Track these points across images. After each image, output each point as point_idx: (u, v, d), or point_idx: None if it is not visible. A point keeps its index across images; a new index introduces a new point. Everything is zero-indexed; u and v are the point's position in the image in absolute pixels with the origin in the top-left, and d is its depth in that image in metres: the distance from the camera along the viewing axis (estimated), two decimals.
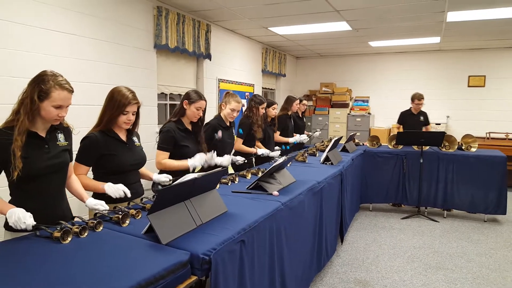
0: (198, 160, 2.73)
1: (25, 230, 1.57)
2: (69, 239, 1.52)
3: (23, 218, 1.53)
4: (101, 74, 3.73)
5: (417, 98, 5.36)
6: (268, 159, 3.92)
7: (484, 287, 3.11)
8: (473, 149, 4.96)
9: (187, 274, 1.41)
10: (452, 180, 4.88)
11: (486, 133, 7.19)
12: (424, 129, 5.46)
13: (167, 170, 2.70)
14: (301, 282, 2.59)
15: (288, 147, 4.73)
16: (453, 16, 4.88)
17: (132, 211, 1.86)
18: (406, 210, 5.31)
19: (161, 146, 2.74)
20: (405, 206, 5.38)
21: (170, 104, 5.01)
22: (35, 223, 1.56)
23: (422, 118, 5.48)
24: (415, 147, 5.09)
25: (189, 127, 2.88)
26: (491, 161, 4.71)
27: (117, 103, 2.15)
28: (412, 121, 5.47)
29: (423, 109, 5.54)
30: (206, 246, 1.50)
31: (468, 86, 7.52)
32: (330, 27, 5.63)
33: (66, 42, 3.38)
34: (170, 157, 2.76)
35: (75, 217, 1.84)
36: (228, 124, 3.45)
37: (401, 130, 5.57)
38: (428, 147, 5.03)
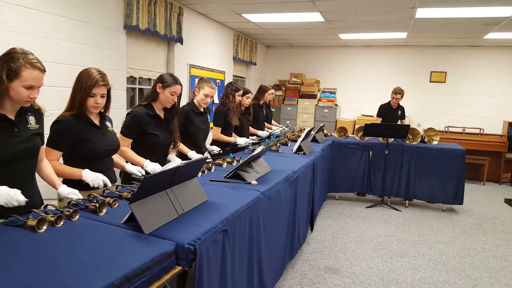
0: (151, 167, 2.47)
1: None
2: (45, 227, 1.43)
3: (14, 195, 1.51)
4: (67, 54, 3.51)
5: (393, 92, 5.53)
6: (243, 148, 3.90)
7: (444, 273, 3.29)
8: (435, 142, 5.20)
9: (172, 265, 1.37)
10: (415, 171, 5.10)
11: (445, 127, 7.56)
12: (399, 123, 5.64)
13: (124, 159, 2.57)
14: (276, 271, 2.62)
15: (267, 140, 4.71)
16: (422, 13, 5.03)
17: (109, 200, 1.77)
18: (370, 199, 5.50)
19: (123, 131, 2.58)
20: (369, 196, 5.57)
21: (139, 88, 4.83)
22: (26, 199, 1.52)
23: (399, 112, 5.66)
24: (381, 139, 5.26)
25: (161, 114, 2.70)
26: (451, 154, 4.96)
27: (83, 85, 2.02)
28: (390, 115, 5.64)
29: (401, 103, 5.71)
30: (191, 236, 1.47)
31: (430, 81, 7.83)
32: (303, 17, 5.63)
33: (31, 18, 3.13)
34: (138, 145, 2.62)
35: (47, 205, 1.73)
36: (201, 110, 3.37)
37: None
38: (393, 139, 5.21)
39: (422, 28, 6.09)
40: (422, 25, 5.85)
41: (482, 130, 7.30)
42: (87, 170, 1.97)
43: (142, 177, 2.30)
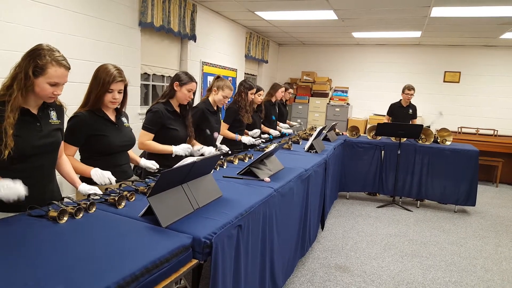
0: (182, 149, 2.66)
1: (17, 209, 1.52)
2: (65, 219, 1.47)
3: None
4: (83, 50, 3.57)
5: (406, 88, 5.41)
6: (253, 146, 3.91)
7: (456, 274, 3.27)
8: (448, 143, 5.14)
9: (189, 258, 1.40)
10: (427, 172, 5.05)
11: (458, 127, 7.47)
12: (411, 123, 5.55)
13: (149, 151, 2.68)
14: (287, 268, 2.63)
15: (271, 136, 4.71)
16: (437, 12, 4.98)
17: (126, 193, 1.81)
18: (381, 199, 5.47)
19: (146, 127, 2.67)
20: (380, 195, 5.54)
21: (152, 85, 4.88)
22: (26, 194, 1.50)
23: (411, 111, 5.56)
24: (393, 139, 5.22)
25: (178, 110, 2.80)
26: (465, 155, 4.91)
27: (101, 80, 2.06)
28: (401, 114, 5.54)
29: (413, 102, 5.63)
30: (207, 230, 1.49)
31: (444, 81, 7.75)
32: (316, 15, 5.61)
33: (49, 14, 3.20)
34: (158, 139, 2.70)
35: (64, 197, 1.77)
36: (215, 108, 3.40)
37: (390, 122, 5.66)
38: (405, 139, 5.17)
39: (437, 27, 6.02)
40: (437, 24, 5.79)
41: (496, 131, 7.20)
42: (96, 169, 2.01)
43: (157, 170, 2.37)
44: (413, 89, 5.41)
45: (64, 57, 1.67)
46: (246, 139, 3.83)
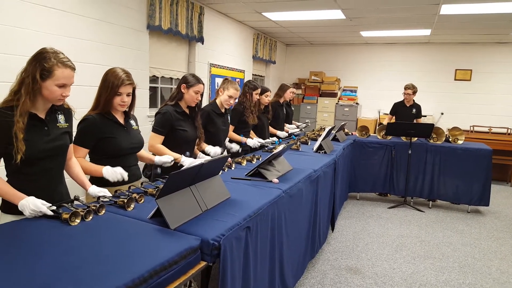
0: (189, 162, 2.60)
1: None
2: (78, 221, 1.49)
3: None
4: (92, 53, 3.60)
5: (404, 87, 5.39)
6: (261, 147, 3.89)
7: (470, 275, 3.21)
8: (460, 142, 5.06)
9: (197, 260, 1.40)
10: (439, 172, 4.98)
11: (470, 126, 7.36)
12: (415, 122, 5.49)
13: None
14: (297, 269, 2.62)
15: (279, 140, 4.68)
16: (447, 9, 4.91)
17: (135, 195, 1.81)
18: (393, 199, 5.41)
19: (156, 129, 2.68)
20: (391, 196, 5.47)
21: (161, 87, 4.90)
22: (50, 205, 1.56)
23: (414, 110, 5.49)
24: (404, 138, 5.16)
25: (187, 111, 2.82)
26: (477, 154, 4.82)
27: (110, 84, 2.09)
28: (405, 113, 5.48)
29: (418, 102, 5.56)
30: (215, 232, 1.49)
31: (455, 79, 7.64)
32: (324, 15, 5.59)
33: (57, 19, 3.23)
34: (168, 140, 2.71)
35: (73, 200, 1.78)
36: (223, 110, 3.39)
37: (393, 121, 5.60)
38: (416, 139, 5.10)
39: (446, 25, 5.95)
40: (447, 22, 5.72)
41: (509, 130, 7.07)
42: (107, 167, 2.03)
43: (173, 163, 2.38)
44: (410, 88, 5.32)
45: (68, 58, 1.68)
46: (251, 142, 3.80)
